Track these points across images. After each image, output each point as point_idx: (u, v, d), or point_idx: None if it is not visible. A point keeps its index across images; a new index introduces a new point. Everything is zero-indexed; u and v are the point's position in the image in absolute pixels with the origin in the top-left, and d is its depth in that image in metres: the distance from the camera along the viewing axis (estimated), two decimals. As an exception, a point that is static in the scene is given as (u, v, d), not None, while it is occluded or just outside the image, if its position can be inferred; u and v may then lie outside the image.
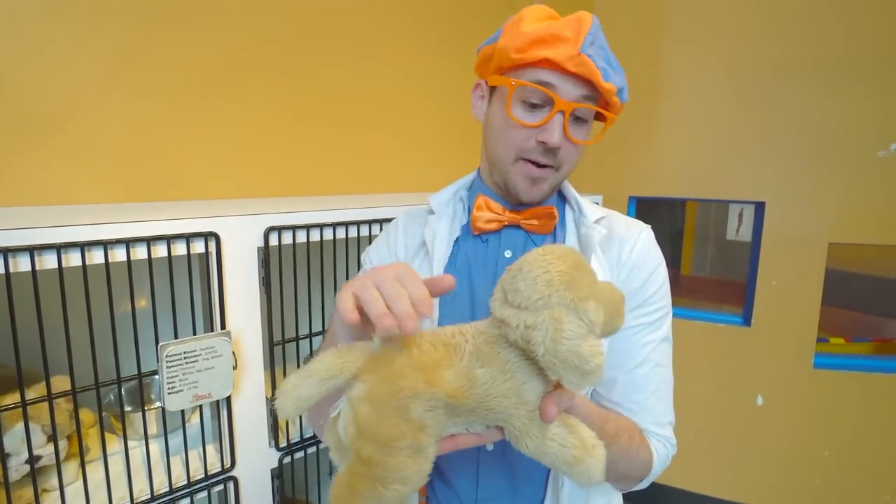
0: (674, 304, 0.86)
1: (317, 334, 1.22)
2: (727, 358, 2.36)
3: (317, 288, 1.21)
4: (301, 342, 1.19)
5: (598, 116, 0.79)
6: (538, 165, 0.75)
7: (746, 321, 2.30)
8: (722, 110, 2.27)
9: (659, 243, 0.87)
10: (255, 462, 1.11)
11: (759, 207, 2.27)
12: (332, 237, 1.16)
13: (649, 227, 0.86)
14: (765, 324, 2.27)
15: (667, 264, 0.86)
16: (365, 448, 0.50)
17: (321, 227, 1.14)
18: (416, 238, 0.87)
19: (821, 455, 2.27)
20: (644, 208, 2.57)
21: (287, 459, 1.16)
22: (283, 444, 1.15)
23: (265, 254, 1.06)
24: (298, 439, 1.18)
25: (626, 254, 0.81)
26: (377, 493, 0.50)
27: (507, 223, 0.81)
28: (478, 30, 1.91)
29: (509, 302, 0.51)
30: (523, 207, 0.81)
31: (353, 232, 1.19)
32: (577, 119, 0.74)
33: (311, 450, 1.21)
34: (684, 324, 2.38)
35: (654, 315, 0.81)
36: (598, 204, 1.98)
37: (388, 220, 1.24)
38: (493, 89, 0.80)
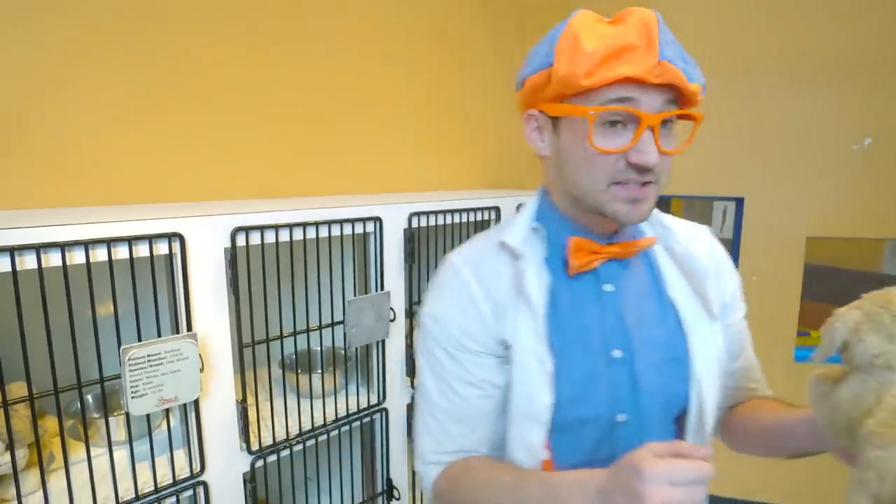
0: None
1: (288, 336, 1.20)
2: (710, 354, 2.36)
3: (287, 289, 1.19)
4: (272, 343, 1.17)
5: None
6: (635, 185, 0.69)
7: (728, 317, 2.30)
8: (702, 110, 2.28)
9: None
10: (227, 466, 1.09)
11: (739, 203, 2.27)
12: (301, 237, 1.15)
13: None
14: (747, 318, 2.27)
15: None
16: None
17: (290, 227, 1.13)
18: (500, 284, 0.76)
19: (805, 449, 2.27)
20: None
21: (259, 463, 1.14)
22: (255, 447, 1.13)
23: (232, 255, 1.04)
24: (271, 443, 1.16)
25: (716, 258, 0.85)
26: None
27: (605, 258, 0.76)
28: (451, 23, 1.92)
29: None
30: (616, 239, 0.77)
31: (323, 232, 1.18)
32: (664, 126, 0.68)
33: (285, 453, 1.19)
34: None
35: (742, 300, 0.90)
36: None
37: (360, 220, 1.24)
38: (555, 119, 0.72)
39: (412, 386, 1.42)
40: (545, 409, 0.71)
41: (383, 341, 1.33)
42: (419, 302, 1.41)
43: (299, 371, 1.37)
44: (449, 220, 1.45)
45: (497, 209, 1.59)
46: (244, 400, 1.10)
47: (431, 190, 1.90)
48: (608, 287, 0.76)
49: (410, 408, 1.42)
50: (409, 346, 1.40)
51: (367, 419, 1.35)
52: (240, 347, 1.09)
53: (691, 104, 0.70)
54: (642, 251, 0.80)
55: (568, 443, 0.74)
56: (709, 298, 0.77)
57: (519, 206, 1.65)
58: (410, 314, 1.40)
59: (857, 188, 2.07)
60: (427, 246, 1.52)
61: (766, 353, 2.23)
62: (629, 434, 0.74)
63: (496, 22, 2.07)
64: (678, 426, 0.79)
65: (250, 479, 1.12)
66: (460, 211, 1.47)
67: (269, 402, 1.18)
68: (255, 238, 1.07)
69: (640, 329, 0.75)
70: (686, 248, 0.79)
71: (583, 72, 0.64)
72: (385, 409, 1.37)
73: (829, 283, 3.29)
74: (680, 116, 0.71)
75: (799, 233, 2.15)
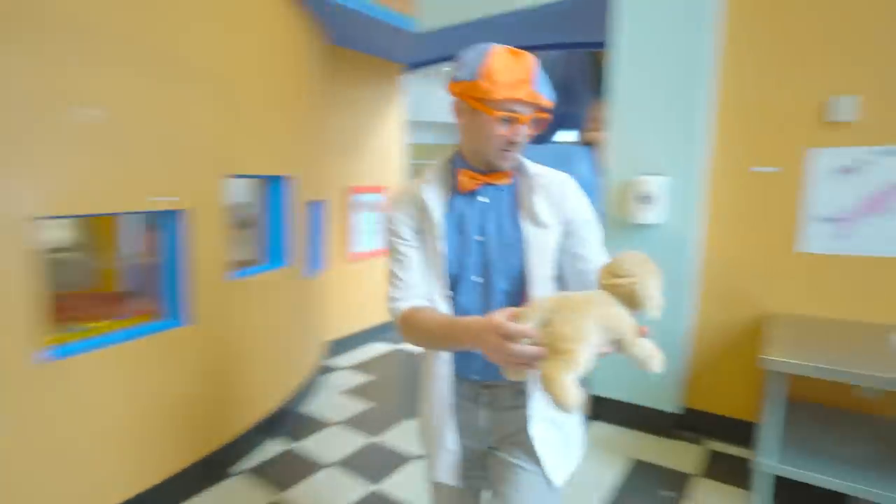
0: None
1: None
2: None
3: None
4: None
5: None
6: (510, 150, 1.32)
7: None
8: None
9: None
10: None
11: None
12: None
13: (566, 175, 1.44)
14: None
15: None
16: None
17: None
18: (418, 199, 1.41)
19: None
20: None
21: None
22: None
23: None
24: None
25: (561, 190, 1.39)
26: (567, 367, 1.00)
27: (482, 183, 1.38)
28: None
29: (617, 275, 1.07)
30: (489, 171, 1.38)
31: None
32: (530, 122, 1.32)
33: None
34: None
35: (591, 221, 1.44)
36: None
37: None
38: (473, 109, 1.30)
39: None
40: (443, 271, 1.37)
41: None
42: None
43: None
44: None
45: None
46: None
47: None
48: (482, 199, 1.40)
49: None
50: None
51: None
52: None
53: (543, 108, 1.33)
54: (511, 184, 1.41)
55: (462, 291, 1.39)
56: (535, 212, 1.35)
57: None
58: None
59: (82, 166, 2.13)
60: None
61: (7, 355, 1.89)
62: (485, 290, 1.38)
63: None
64: (516, 285, 1.37)
65: None
66: None
67: None
68: None
69: (495, 224, 1.38)
70: (532, 183, 1.38)
71: (494, 90, 1.24)
72: None
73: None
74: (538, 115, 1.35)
75: (27, 215, 1.96)
